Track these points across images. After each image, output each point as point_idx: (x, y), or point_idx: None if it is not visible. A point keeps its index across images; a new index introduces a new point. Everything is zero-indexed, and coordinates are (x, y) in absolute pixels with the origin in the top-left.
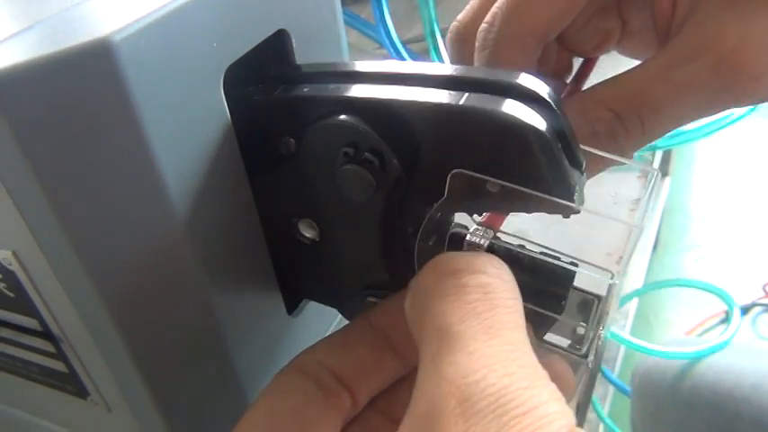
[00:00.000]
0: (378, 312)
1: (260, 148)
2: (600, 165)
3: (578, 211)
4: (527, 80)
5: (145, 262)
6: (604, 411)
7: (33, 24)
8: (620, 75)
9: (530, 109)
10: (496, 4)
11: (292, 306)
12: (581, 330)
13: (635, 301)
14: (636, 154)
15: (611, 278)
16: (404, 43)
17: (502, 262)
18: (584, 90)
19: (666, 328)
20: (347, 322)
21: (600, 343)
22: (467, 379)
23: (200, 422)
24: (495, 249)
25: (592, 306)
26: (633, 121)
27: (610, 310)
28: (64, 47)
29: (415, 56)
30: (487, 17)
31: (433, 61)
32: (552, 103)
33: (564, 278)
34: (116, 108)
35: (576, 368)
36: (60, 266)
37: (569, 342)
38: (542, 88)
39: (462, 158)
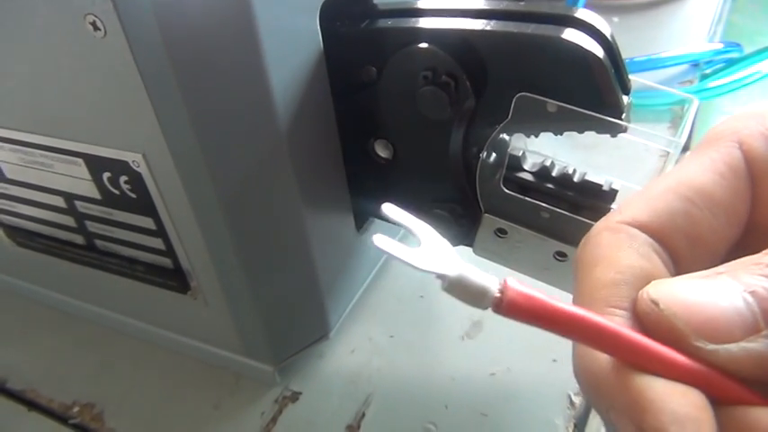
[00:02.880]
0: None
1: (345, 75)
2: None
3: (625, 130)
4: (585, 14)
5: (254, 167)
6: None
7: None
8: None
9: (588, 37)
10: None
11: (360, 224)
12: None
13: None
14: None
15: None
16: None
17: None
18: None
19: None
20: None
21: None
22: None
23: (285, 318)
24: (553, 165)
25: None
26: None
27: None
28: None
29: None
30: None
31: None
32: (606, 34)
33: (609, 195)
34: (244, 27)
35: None
36: (185, 168)
37: None
38: (598, 20)
39: (525, 83)
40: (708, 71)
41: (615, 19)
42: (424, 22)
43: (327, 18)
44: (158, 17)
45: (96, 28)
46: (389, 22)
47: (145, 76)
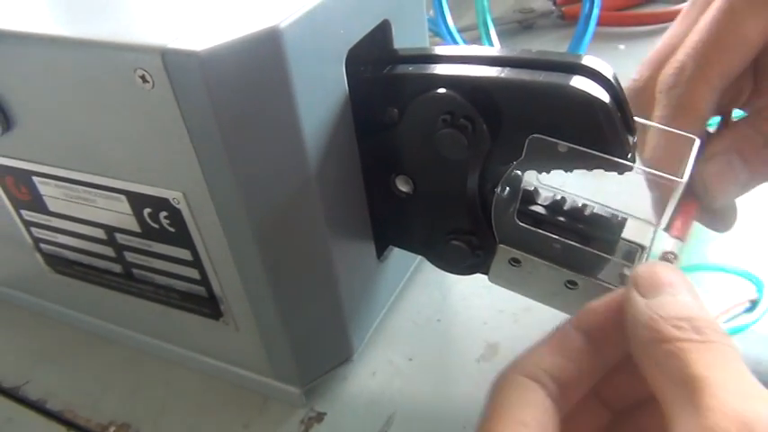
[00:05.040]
0: (586, 318)
1: (368, 117)
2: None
3: (631, 168)
4: (591, 61)
5: (285, 203)
6: None
7: (216, 14)
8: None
9: (595, 84)
10: (684, 53)
11: (381, 252)
12: (627, 272)
13: None
14: None
15: (657, 225)
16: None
17: (720, 328)
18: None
19: None
20: (422, 269)
21: None
22: (738, 408)
23: (312, 343)
24: (564, 200)
25: (636, 254)
26: None
27: (650, 258)
28: (247, 32)
29: (468, 44)
30: (677, 63)
31: None
32: (611, 80)
33: (617, 226)
34: (279, 77)
35: None
36: (222, 205)
37: (617, 284)
38: (604, 67)
39: (538, 125)
40: None
41: (621, 47)
42: (443, 69)
43: (353, 64)
44: (203, 71)
45: (145, 81)
46: (410, 68)
47: (189, 124)
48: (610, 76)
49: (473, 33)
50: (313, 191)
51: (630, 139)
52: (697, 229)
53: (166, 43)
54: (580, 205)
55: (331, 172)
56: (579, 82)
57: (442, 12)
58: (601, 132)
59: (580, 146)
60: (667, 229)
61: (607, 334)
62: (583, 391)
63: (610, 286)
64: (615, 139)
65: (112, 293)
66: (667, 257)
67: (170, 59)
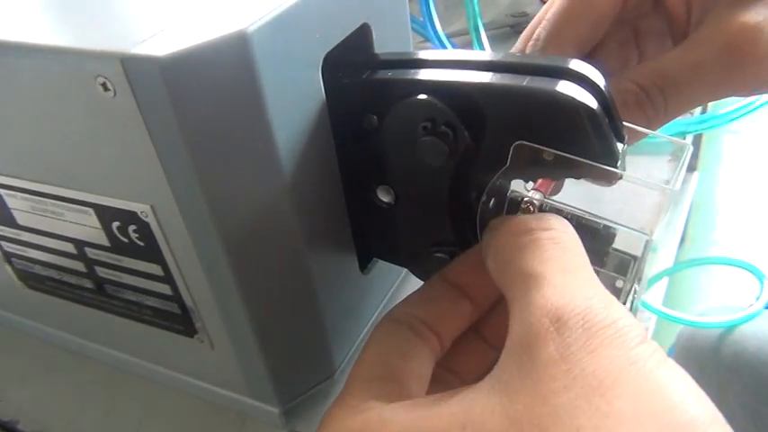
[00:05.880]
0: (450, 269)
1: (347, 124)
2: (635, 136)
3: (621, 177)
4: (578, 65)
5: (258, 216)
6: None
7: (181, 19)
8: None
9: (582, 89)
10: (541, 25)
11: (364, 265)
12: (619, 284)
13: (664, 287)
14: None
15: (649, 236)
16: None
17: (564, 220)
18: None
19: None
20: (409, 280)
21: (634, 299)
22: (556, 303)
23: (290, 361)
24: (547, 210)
25: (629, 265)
26: (656, 94)
27: (644, 269)
28: (213, 37)
29: (457, 48)
30: (534, 36)
31: None
32: (600, 85)
33: (606, 237)
34: (247, 84)
35: None
36: (191, 218)
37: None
38: (592, 72)
39: (522, 132)
40: (707, 105)
41: None
42: (424, 74)
43: (330, 69)
44: (165, 78)
45: (106, 89)
46: (390, 74)
47: (153, 133)
48: (598, 81)
49: (465, 38)
50: (288, 203)
51: (620, 146)
52: (700, 223)
53: (127, 49)
54: (569, 215)
55: (308, 183)
56: (566, 87)
57: (431, 16)
58: (588, 139)
59: (567, 153)
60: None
61: (472, 280)
62: (455, 330)
63: None
64: (603, 146)
65: (86, 309)
66: (527, 208)
67: (130, 66)
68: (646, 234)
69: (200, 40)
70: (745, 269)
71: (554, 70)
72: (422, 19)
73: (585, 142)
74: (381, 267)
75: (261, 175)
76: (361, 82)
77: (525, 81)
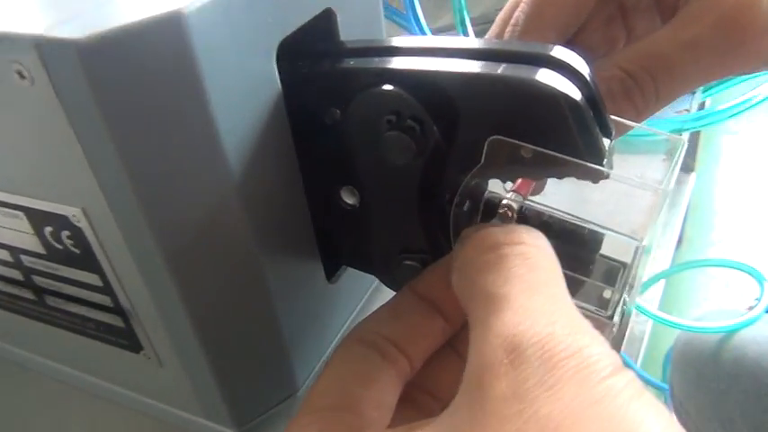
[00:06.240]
0: (421, 281)
1: (307, 118)
2: (622, 129)
3: (607, 176)
4: (561, 52)
5: (202, 220)
6: None
7: None
8: (634, 42)
9: (564, 78)
10: (519, 8)
11: (331, 272)
12: (607, 295)
13: (660, 289)
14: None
15: (639, 241)
16: (433, 32)
17: (538, 232)
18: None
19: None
20: (382, 289)
21: (624, 310)
22: (513, 330)
23: (247, 379)
24: (527, 213)
25: (618, 273)
26: (645, 79)
27: (636, 276)
28: (142, 18)
29: None
30: (512, 20)
31: None
32: (584, 74)
33: (592, 242)
34: (184, 73)
35: (602, 331)
36: (126, 223)
37: (596, 307)
38: (575, 59)
39: (498, 126)
40: (705, 101)
41: None
42: (388, 62)
43: (287, 58)
44: (85, 65)
45: (22, 77)
46: (352, 62)
47: (76, 127)
48: (582, 70)
49: (452, 34)
50: (237, 205)
51: (606, 142)
52: (697, 225)
53: (42, 31)
54: (551, 219)
55: (261, 182)
56: (546, 76)
57: (414, 8)
58: (571, 134)
59: (548, 150)
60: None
61: (444, 293)
62: (427, 349)
63: (588, 312)
64: (588, 141)
65: (30, 322)
66: (505, 213)
67: (47, 51)
68: (636, 239)
69: (127, 20)
70: (745, 272)
71: (534, 57)
72: (405, 12)
73: (568, 137)
74: (351, 275)
75: (204, 174)
76: (321, 72)
77: (500, 69)
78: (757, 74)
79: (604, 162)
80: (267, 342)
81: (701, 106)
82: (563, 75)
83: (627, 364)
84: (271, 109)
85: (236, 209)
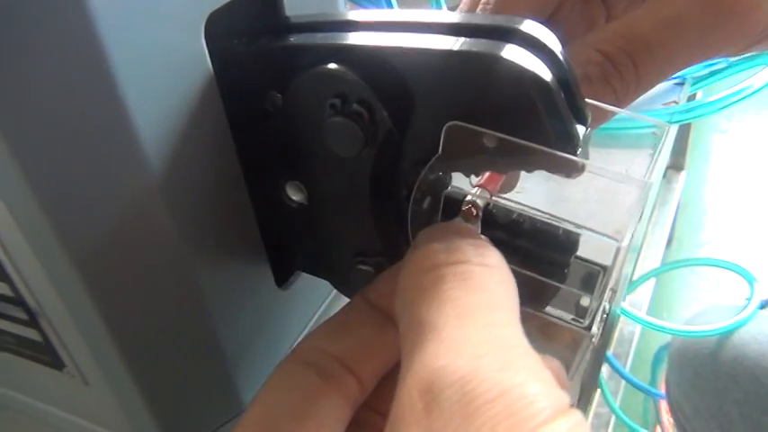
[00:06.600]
0: (372, 289)
1: (245, 104)
2: (601, 116)
3: (583, 168)
4: (530, 26)
5: (118, 226)
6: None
7: None
8: (613, 21)
9: (532, 55)
10: None
11: (283, 278)
12: (585, 302)
13: (649, 289)
14: (648, 131)
15: (618, 242)
16: None
17: (490, 247)
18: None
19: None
20: (338, 298)
21: (606, 317)
22: (431, 367)
23: (182, 399)
24: (494, 212)
25: (597, 278)
26: (625, 62)
27: (619, 279)
28: None
29: None
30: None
31: None
32: (557, 52)
33: (567, 243)
34: (84, 50)
35: (580, 343)
36: (29, 227)
37: (572, 316)
38: (546, 35)
39: (458, 111)
40: (695, 93)
41: None
42: (334, 38)
43: (217, 34)
44: None
45: None
46: (292, 39)
47: None
48: (554, 48)
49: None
50: (160, 206)
51: (581, 129)
52: (687, 224)
53: None
54: (520, 217)
55: (191, 179)
56: (512, 52)
57: None
58: (539, 119)
59: (514, 137)
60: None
61: None
62: (380, 366)
63: (563, 321)
64: (559, 127)
65: None
66: (469, 210)
67: None
68: (615, 239)
69: None
70: (736, 272)
71: (500, 31)
72: None
73: (536, 123)
74: (306, 280)
75: (118, 170)
76: (256, 50)
77: (459, 44)
78: (747, 62)
79: (578, 152)
80: (205, 358)
81: (692, 97)
82: (532, 52)
83: (613, 368)
84: (200, 94)
85: (160, 210)
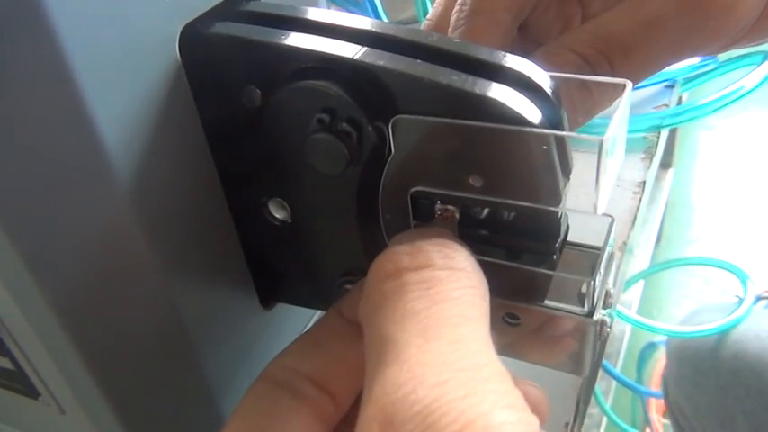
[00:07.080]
0: (346, 301)
1: (218, 98)
2: (579, 115)
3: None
4: (518, 63)
5: (87, 247)
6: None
7: None
8: (589, 21)
9: (531, 103)
10: None
11: (267, 298)
12: (585, 289)
13: (639, 288)
14: (639, 135)
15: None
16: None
17: (456, 246)
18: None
19: (671, 316)
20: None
21: (611, 303)
22: (392, 396)
23: (162, 425)
24: (471, 213)
25: (594, 261)
26: (602, 63)
27: (615, 260)
28: None
29: None
30: (460, 0)
31: None
32: (547, 91)
33: (548, 229)
34: (36, 42)
35: (584, 332)
36: None
37: (571, 306)
38: (537, 73)
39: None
40: (684, 95)
41: None
42: (325, 45)
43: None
44: None
45: None
46: (277, 35)
47: None
48: (546, 87)
49: (416, 27)
50: (131, 221)
51: (565, 181)
52: (676, 222)
53: None
54: (493, 210)
55: (166, 199)
56: (500, 93)
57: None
58: (530, 171)
59: (500, 177)
60: None
61: None
62: (355, 383)
63: (564, 313)
64: (548, 183)
65: None
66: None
67: None
68: (610, 216)
69: None
70: (728, 270)
71: (489, 67)
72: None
73: (526, 174)
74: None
75: (85, 189)
76: (235, 38)
77: (466, 83)
78: (736, 62)
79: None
80: (187, 385)
81: (680, 101)
82: (525, 94)
83: (604, 368)
84: (166, 84)
85: (129, 229)
